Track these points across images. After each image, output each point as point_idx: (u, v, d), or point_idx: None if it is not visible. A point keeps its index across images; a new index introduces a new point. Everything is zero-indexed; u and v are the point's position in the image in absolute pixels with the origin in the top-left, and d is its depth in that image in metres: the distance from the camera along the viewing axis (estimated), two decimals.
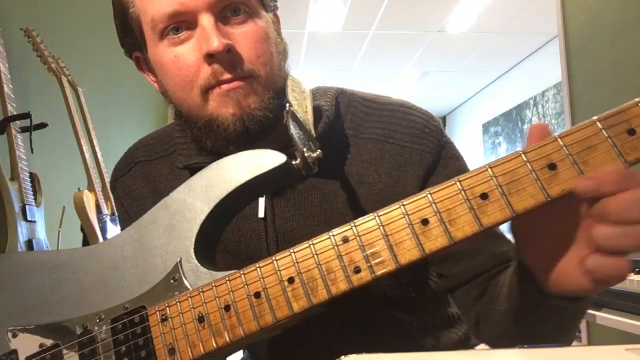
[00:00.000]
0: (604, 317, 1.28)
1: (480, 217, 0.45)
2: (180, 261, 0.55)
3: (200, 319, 0.51)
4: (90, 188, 1.69)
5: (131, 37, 0.70)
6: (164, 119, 4.18)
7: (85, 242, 1.58)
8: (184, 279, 0.54)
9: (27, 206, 1.34)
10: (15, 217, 1.28)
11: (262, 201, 0.72)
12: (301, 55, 5.00)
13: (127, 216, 0.81)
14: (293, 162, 0.57)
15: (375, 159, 0.71)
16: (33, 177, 1.44)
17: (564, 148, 0.44)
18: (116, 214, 0.83)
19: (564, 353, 0.50)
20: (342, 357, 0.42)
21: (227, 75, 0.62)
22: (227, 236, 0.73)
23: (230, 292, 0.51)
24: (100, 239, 1.59)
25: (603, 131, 0.43)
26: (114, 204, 0.82)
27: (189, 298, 0.52)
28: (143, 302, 0.55)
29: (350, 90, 0.78)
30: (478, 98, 6.79)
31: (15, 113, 1.38)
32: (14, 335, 0.57)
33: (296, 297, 0.49)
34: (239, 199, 0.58)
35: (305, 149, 0.57)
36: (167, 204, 0.59)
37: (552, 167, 0.44)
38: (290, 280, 0.49)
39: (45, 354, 0.56)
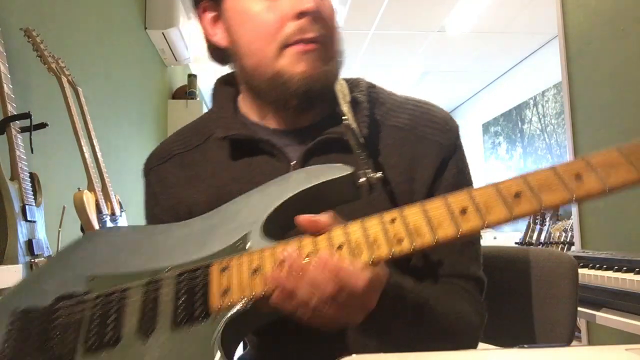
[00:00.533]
0: (604, 317, 1.28)
1: (512, 207, 0.51)
2: (248, 233, 0.63)
3: (255, 271, 0.58)
4: (90, 188, 1.69)
5: None
6: (164, 118, 4.18)
7: None
8: (248, 245, 0.62)
9: (27, 206, 1.34)
10: (15, 217, 1.28)
11: None
12: None
13: (155, 202, 0.83)
14: (360, 181, 0.64)
15: (398, 144, 0.75)
16: (33, 177, 1.43)
17: (589, 165, 0.51)
18: (145, 198, 0.86)
19: (564, 353, 0.50)
20: (342, 358, 0.43)
21: (311, 33, 0.68)
22: None
23: (285, 251, 0.58)
24: None
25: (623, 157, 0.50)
26: (145, 189, 0.86)
27: (249, 254, 0.60)
28: (210, 259, 0.62)
29: (378, 85, 0.84)
30: (478, 98, 6.79)
31: (15, 113, 1.38)
32: (92, 279, 0.66)
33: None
34: (306, 201, 0.64)
35: (368, 170, 0.64)
36: (248, 194, 0.67)
37: (578, 177, 0.51)
38: (339, 247, 0.56)
39: (113, 293, 0.63)
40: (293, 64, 0.68)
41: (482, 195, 0.52)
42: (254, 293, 0.57)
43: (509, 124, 5.82)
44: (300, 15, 0.67)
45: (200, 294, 0.58)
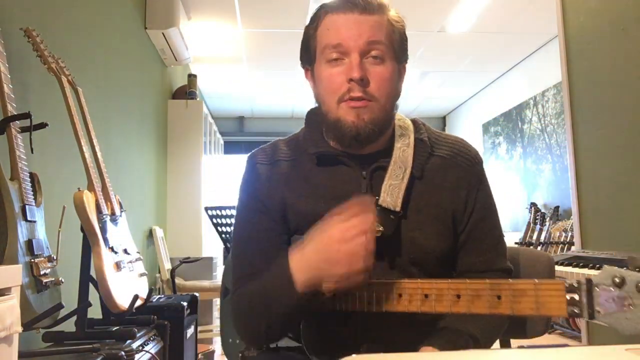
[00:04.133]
0: None
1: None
2: None
3: None
4: (90, 188, 1.69)
5: (308, 53, 1.02)
6: (164, 118, 4.18)
7: (86, 242, 1.58)
8: None
9: (27, 206, 1.34)
10: (15, 217, 1.28)
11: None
12: None
13: (261, 186, 1.04)
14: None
15: (443, 170, 1.01)
16: (33, 177, 1.43)
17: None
18: (249, 180, 1.07)
19: (564, 353, 0.50)
20: (342, 358, 0.43)
21: (357, 94, 0.94)
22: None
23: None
24: (101, 239, 1.59)
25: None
26: (249, 173, 1.07)
27: None
28: None
29: (426, 124, 1.09)
30: (478, 98, 6.79)
31: (15, 113, 1.38)
32: None
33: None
34: None
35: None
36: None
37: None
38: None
39: None
40: (346, 114, 0.95)
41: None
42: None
43: (509, 124, 5.82)
44: (350, 80, 0.93)
45: None
